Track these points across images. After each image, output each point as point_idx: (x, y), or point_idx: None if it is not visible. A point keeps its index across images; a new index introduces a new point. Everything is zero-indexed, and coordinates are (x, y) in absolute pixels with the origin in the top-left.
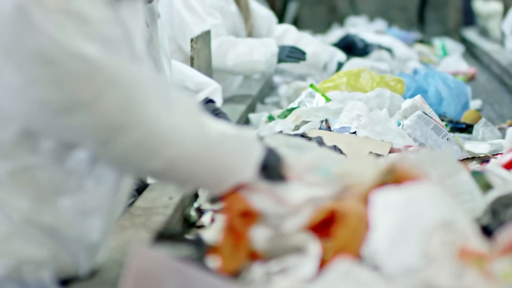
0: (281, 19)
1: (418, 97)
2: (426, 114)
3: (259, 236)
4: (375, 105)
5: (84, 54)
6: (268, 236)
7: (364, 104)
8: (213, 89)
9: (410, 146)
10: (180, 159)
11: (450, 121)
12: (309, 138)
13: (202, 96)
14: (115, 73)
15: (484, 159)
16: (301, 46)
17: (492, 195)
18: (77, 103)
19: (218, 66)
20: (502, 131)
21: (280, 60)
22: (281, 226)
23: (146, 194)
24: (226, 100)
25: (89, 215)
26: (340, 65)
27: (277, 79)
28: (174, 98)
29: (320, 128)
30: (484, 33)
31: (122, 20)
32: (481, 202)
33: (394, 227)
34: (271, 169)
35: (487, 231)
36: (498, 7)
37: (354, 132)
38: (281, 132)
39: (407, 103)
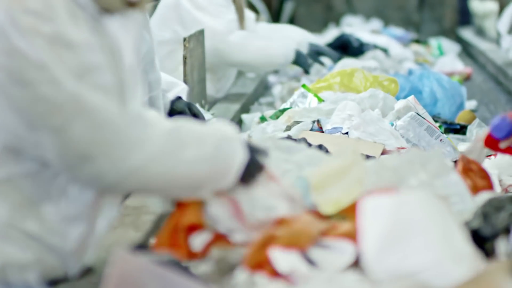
0: (277, 18)
1: (411, 97)
2: (419, 115)
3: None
4: (368, 105)
5: (59, 81)
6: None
7: (356, 104)
8: (181, 89)
9: (403, 148)
10: (150, 183)
11: (445, 122)
12: (294, 140)
13: (172, 94)
14: (87, 105)
15: None
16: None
17: (483, 197)
18: (46, 127)
19: (236, 60)
20: None
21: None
22: (230, 236)
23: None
24: (221, 99)
25: (74, 221)
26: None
27: (272, 78)
28: (147, 133)
29: (311, 129)
30: (480, 32)
31: (108, 40)
32: (471, 204)
33: (383, 233)
34: (250, 175)
35: (478, 235)
36: (494, 6)
37: (346, 133)
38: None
39: (400, 103)
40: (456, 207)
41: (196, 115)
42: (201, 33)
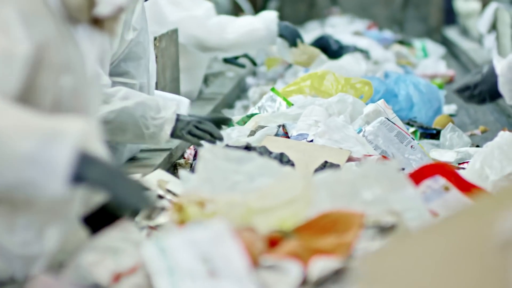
0: None
1: (381, 101)
2: (389, 120)
3: None
4: (336, 110)
5: None
6: None
7: (323, 109)
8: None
9: (369, 155)
10: None
11: (420, 127)
12: (254, 149)
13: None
14: None
15: None
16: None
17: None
18: None
19: (216, 44)
20: (474, 137)
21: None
22: None
23: None
24: (196, 98)
25: (19, 228)
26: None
27: (249, 80)
28: None
29: (277, 134)
30: (465, 32)
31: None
32: (429, 219)
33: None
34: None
35: None
36: (476, 6)
37: (312, 141)
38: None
39: (369, 107)
40: (413, 223)
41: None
42: (174, 32)
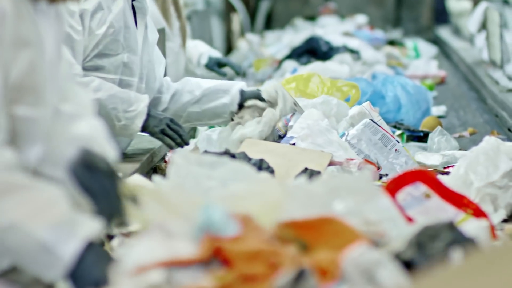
0: (253, 16)
1: (366, 104)
2: (374, 122)
3: None
4: (321, 112)
5: None
6: None
7: (320, 113)
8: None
9: (351, 159)
10: None
11: (407, 129)
12: (233, 155)
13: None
14: None
15: (435, 172)
16: None
17: (418, 224)
18: None
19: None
20: (462, 139)
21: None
22: None
23: None
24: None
25: None
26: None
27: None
28: None
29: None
30: (457, 31)
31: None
32: (406, 229)
33: None
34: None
35: (411, 266)
36: (468, 5)
37: (294, 144)
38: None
39: (354, 110)
40: (389, 233)
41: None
42: (161, 31)
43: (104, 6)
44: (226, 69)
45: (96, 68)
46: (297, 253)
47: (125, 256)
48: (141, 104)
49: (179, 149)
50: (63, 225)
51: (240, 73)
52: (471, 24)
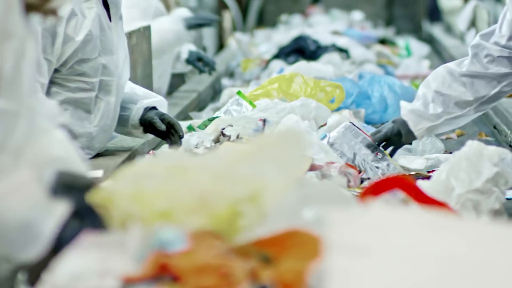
0: (245, 13)
1: (346, 112)
2: (355, 126)
3: None
4: (299, 115)
5: None
6: None
7: (299, 117)
8: (158, 100)
9: (332, 163)
10: None
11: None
12: None
13: (147, 102)
14: None
15: (419, 177)
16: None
17: None
18: None
19: None
20: (449, 141)
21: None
22: None
23: None
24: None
25: None
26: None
27: (225, 82)
28: None
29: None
30: (449, 29)
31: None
32: None
33: None
34: None
35: None
36: (458, 2)
37: None
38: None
39: (333, 118)
40: None
41: (171, 124)
42: (147, 28)
43: (77, 12)
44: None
45: (77, 74)
46: (258, 266)
47: (57, 267)
48: None
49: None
50: (41, 204)
51: (210, 73)
52: (460, 22)
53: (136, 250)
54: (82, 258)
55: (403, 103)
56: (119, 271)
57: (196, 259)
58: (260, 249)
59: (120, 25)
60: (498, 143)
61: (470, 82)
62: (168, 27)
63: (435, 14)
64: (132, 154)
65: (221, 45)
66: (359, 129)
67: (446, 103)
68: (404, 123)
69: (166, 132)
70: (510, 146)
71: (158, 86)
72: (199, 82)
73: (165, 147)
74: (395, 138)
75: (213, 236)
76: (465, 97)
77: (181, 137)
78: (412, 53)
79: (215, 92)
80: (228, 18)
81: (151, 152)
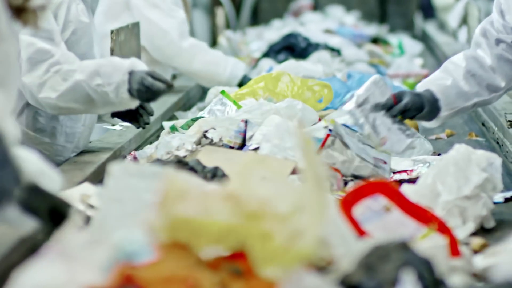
0: (238, 10)
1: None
2: (347, 126)
3: None
4: (285, 117)
5: None
6: None
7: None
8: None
9: None
10: None
11: None
12: (185, 164)
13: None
14: None
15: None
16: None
17: (368, 243)
18: None
19: (180, 67)
20: (439, 141)
21: None
22: None
23: None
24: None
25: None
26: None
27: None
28: None
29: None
30: (442, 26)
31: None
32: (355, 247)
33: None
34: None
35: None
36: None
37: (257, 148)
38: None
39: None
40: (337, 251)
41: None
42: (135, 25)
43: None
44: None
45: None
46: (228, 278)
47: (22, 278)
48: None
49: (164, 145)
50: None
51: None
52: (452, 19)
53: (102, 261)
54: (47, 269)
55: (424, 82)
56: (84, 282)
57: (163, 270)
58: (232, 261)
59: (93, 21)
60: (488, 143)
61: (500, 66)
62: (226, 72)
63: (428, 11)
64: (117, 151)
65: (214, 42)
66: (354, 130)
67: (480, 83)
68: (433, 101)
69: (134, 113)
70: (497, 143)
71: None
72: (188, 79)
73: (147, 147)
74: (413, 113)
75: (181, 247)
76: (495, 82)
77: (150, 114)
78: (405, 51)
79: (204, 90)
80: (221, 14)
81: (132, 153)
